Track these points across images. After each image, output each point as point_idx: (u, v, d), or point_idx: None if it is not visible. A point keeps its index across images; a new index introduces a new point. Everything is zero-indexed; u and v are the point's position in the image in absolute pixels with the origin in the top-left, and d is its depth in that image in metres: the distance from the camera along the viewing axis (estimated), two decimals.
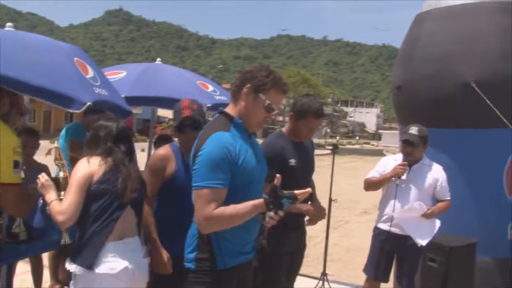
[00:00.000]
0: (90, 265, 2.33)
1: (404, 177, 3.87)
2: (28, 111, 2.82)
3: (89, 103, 2.45)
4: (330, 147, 5.64)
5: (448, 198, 3.93)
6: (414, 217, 3.79)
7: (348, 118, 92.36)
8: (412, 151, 3.90)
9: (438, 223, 3.88)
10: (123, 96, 3.60)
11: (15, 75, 2.50)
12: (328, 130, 70.27)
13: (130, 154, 2.61)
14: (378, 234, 4.07)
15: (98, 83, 2.84)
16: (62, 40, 3.47)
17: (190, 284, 2.23)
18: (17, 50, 2.73)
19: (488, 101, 4.20)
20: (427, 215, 3.77)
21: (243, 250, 2.30)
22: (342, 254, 7.28)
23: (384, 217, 3.97)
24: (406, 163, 3.87)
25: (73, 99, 2.45)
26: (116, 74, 4.37)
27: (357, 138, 74.13)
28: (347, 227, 9.73)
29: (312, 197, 3.32)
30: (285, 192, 2.09)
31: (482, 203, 4.52)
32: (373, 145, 56.72)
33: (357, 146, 49.61)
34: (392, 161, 4.03)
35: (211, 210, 2.06)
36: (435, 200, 3.99)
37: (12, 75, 2.49)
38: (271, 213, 2.06)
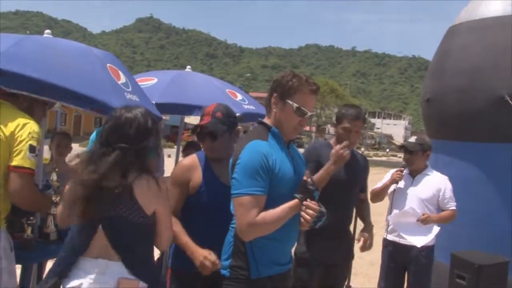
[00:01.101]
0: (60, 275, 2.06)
1: (401, 183, 3.87)
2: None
3: None
4: None
5: (452, 208, 3.85)
6: (410, 222, 3.76)
7: (375, 130, 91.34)
8: (410, 159, 3.89)
9: (436, 228, 3.82)
10: (153, 102, 3.67)
11: (52, 80, 2.58)
12: None
13: None
14: (386, 245, 4.04)
15: (130, 89, 2.90)
16: (94, 46, 3.57)
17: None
18: (54, 56, 2.82)
19: None
20: (421, 221, 3.72)
21: (279, 261, 2.29)
22: (366, 267, 7.16)
23: (390, 228, 3.93)
24: (403, 168, 3.86)
25: (106, 105, 2.51)
26: (147, 81, 4.46)
27: (387, 150, 73.15)
28: None
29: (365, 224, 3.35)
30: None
31: None
32: (400, 157, 55.79)
33: (384, 158, 48.94)
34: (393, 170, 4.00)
35: (254, 216, 2.06)
36: (440, 210, 3.91)
37: (48, 80, 2.58)
38: (303, 212, 2.11)
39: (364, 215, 3.42)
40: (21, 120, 2.40)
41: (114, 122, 2.05)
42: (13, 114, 2.42)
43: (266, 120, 2.31)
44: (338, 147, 2.87)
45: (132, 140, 2.02)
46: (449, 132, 4.86)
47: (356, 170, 3.24)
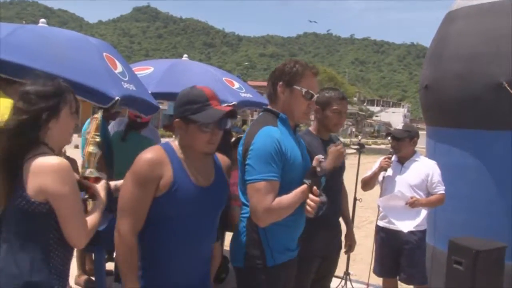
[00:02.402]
0: None
1: (390, 171, 3.90)
2: None
3: (117, 98, 2.50)
4: (356, 147, 5.60)
5: (441, 192, 3.88)
6: (398, 205, 3.79)
7: (374, 118, 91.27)
8: (397, 146, 3.92)
9: (423, 212, 3.86)
10: (150, 91, 3.66)
11: (47, 69, 2.56)
12: (354, 130, 69.58)
13: None
14: (378, 231, 4.08)
15: (127, 78, 2.89)
16: (91, 36, 3.55)
17: (242, 283, 2.27)
18: (49, 45, 2.81)
19: None
20: (410, 203, 3.75)
21: (290, 247, 2.32)
22: (366, 254, 7.19)
23: (381, 214, 3.95)
24: (390, 156, 3.89)
25: (103, 94, 2.50)
26: (144, 70, 4.44)
27: (388, 138, 73.01)
28: (371, 227, 9.59)
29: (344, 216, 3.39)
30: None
31: (511, 206, 4.41)
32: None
33: (382, 146, 48.89)
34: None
35: (270, 202, 2.08)
36: (430, 195, 3.94)
37: (44, 69, 2.56)
38: (308, 200, 2.15)
39: (344, 209, 3.41)
40: (7, 112, 2.27)
41: None
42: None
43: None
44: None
45: None
46: (447, 119, 4.83)
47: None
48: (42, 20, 3.52)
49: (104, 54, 2.90)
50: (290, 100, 2.26)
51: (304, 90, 2.24)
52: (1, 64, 2.50)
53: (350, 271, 4.98)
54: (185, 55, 5.37)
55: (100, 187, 2.09)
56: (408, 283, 3.98)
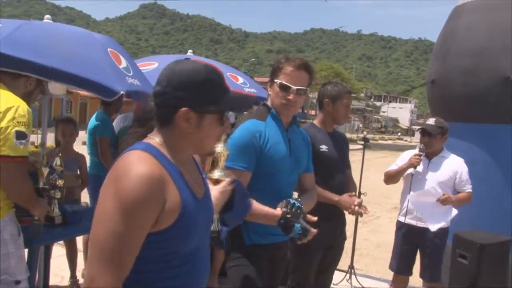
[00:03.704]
0: None
1: (420, 167, 3.82)
2: (48, 92, 2.85)
3: (121, 92, 2.52)
4: (362, 142, 5.59)
5: (469, 190, 3.83)
6: (429, 202, 3.71)
7: (381, 113, 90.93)
8: (429, 142, 3.84)
9: (454, 211, 3.80)
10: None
11: (53, 65, 2.58)
12: (361, 125, 69.40)
13: None
14: (400, 227, 4.02)
15: (131, 73, 2.90)
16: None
17: (227, 260, 2.37)
18: (54, 41, 2.82)
19: None
20: (441, 200, 3.67)
21: (272, 231, 2.32)
22: (372, 249, 7.22)
23: (404, 210, 3.92)
24: (421, 153, 3.81)
25: (107, 88, 2.52)
26: (148, 65, 4.46)
27: (398, 134, 73.00)
28: (377, 222, 9.62)
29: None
30: (301, 222, 2.13)
31: None
32: (406, 141, 55.69)
33: (389, 142, 48.84)
34: (412, 154, 3.96)
35: None
36: (456, 193, 3.88)
37: (50, 65, 2.58)
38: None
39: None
40: (6, 102, 2.27)
41: None
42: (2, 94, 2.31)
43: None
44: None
45: None
46: (453, 114, 4.81)
47: (345, 150, 3.28)
48: (47, 16, 3.53)
49: (109, 49, 2.92)
50: (273, 94, 2.32)
51: (278, 82, 2.27)
52: (7, 59, 2.51)
53: (355, 265, 4.98)
54: (190, 51, 5.39)
55: (217, 190, 1.86)
56: (431, 281, 3.93)
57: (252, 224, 2.26)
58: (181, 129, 1.37)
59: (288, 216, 2.11)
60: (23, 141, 2.27)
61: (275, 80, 2.29)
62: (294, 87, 2.25)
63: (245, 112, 3.72)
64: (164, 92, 1.35)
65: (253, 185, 2.22)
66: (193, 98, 1.35)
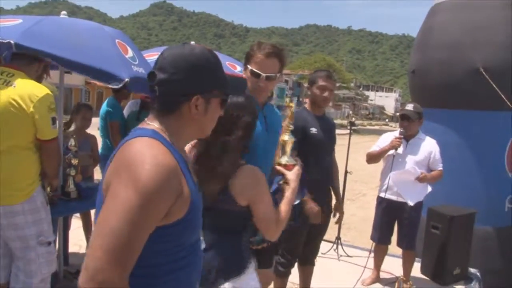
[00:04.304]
0: None
1: (400, 149, 3.82)
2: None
3: (127, 79, 2.51)
4: (349, 126, 5.59)
5: (440, 168, 3.85)
6: (408, 180, 3.75)
7: (369, 102, 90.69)
8: (408, 125, 3.85)
9: (429, 188, 3.82)
10: None
11: (66, 55, 2.58)
12: (351, 112, 69.28)
13: None
14: (380, 202, 4.05)
15: (137, 62, 2.89)
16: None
17: None
18: (68, 34, 2.81)
19: (494, 86, 4.12)
20: (420, 179, 3.71)
21: None
22: (358, 223, 7.27)
23: (384, 187, 3.93)
24: (402, 136, 3.82)
25: (114, 75, 2.51)
26: (154, 56, 4.43)
27: (386, 120, 72.65)
28: (364, 199, 9.68)
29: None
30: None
31: (485, 177, 4.48)
32: (391, 126, 55.74)
33: (376, 127, 48.82)
34: (391, 136, 3.96)
35: None
36: (430, 171, 3.91)
37: (63, 55, 2.58)
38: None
39: (335, 181, 3.38)
40: (37, 92, 2.35)
41: None
42: (29, 86, 2.37)
43: None
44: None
45: None
46: (431, 101, 4.83)
47: (333, 133, 3.26)
48: (63, 12, 3.51)
49: (117, 41, 2.90)
50: (247, 79, 2.24)
51: (250, 68, 2.20)
52: (27, 50, 2.51)
53: (343, 237, 5.02)
54: (192, 42, 5.35)
55: (293, 174, 1.91)
56: (407, 249, 3.97)
57: None
58: (189, 116, 1.20)
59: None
60: (56, 125, 2.44)
61: (248, 66, 2.22)
62: (264, 75, 2.17)
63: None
64: (171, 79, 1.17)
65: None
66: (202, 84, 1.20)
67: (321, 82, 3.07)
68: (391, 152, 3.84)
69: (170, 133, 1.20)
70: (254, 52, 2.21)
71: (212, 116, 1.26)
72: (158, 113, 1.22)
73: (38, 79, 2.61)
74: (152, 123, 1.21)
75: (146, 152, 1.07)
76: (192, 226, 1.21)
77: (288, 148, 2.08)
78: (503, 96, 4.06)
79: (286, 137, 2.08)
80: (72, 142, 3.07)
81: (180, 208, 1.13)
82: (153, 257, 1.14)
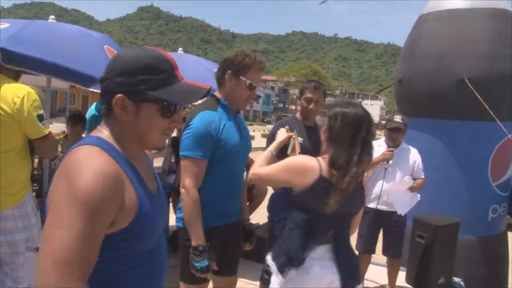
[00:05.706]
0: None
1: (391, 161, 3.84)
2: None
3: None
4: None
5: (423, 176, 3.92)
6: (402, 189, 3.80)
7: None
8: (397, 137, 3.89)
9: (418, 197, 3.87)
10: None
11: (54, 61, 2.55)
12: None
13: None
14: (367, 212, 4.03)
15: None
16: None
17: (181, 240, 2.32)
18: (56, 39, 2.78)
19: (478, 96, 4.19)
20: (412, 188, 3.79)
21: (225, 213, 2.34)
22: None
23: (373, 196, 3.93)
24: (393, 149, 3.82)
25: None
26: None
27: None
28: None
29: None
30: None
31: (469, 187, 4.53)
32: (376, 134, 56.32)
33: None
34: (376, 146, 3.97)
35: (190, 178, 2.16)
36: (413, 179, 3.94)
37: (51, 61, 2.54)
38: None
39: None
40: (18, 92, 2.28)
41: None
42: (10, 89, 2.30)
43: (217, 94, 2.35)
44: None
45: None
46: (417, 110, 4.89)
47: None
48: (52, 16, 3.48)
49: (105, 46, 2.89)
50: (235, 88, 2.28)
51: (248, 82, 2.25)
52: (14, 56, 2.48)
53: None
54: (180, 49, 5.34)
55: None
56: (393, 257, 4.00)
57: (206, 208, 2.22)
58: (118, 118, 1.17)
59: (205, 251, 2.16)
60: (44, 121, 2.37)
61: (243, 78, 2.25)
62: (257, 87, 2.32)
63: (191, 106, 3.66)
64: (106, 78, 1.17)
65: (210, 170, 2.21)
66: (129, 84, 1.14)
67: (307, 94, 3.11)
68: (383, 163, 3.85)
69: (116, 139, 1.19)
70: (250, 65, 2.24)
71: (148, 123, 1.18)
72: (105, 117, 1.23)
73: (17, 76, 2.57)
74: (101, 129, 1.21)
75: (84, 161, 1.06)
76: (144, 233, 1.17)
77: (298, 146, 2.35)
78: (487, 107, 4.13)
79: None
80: (59, 147, 3.02)
81: (125, 215, 1.11)
82: (109, 266, 1.13)
